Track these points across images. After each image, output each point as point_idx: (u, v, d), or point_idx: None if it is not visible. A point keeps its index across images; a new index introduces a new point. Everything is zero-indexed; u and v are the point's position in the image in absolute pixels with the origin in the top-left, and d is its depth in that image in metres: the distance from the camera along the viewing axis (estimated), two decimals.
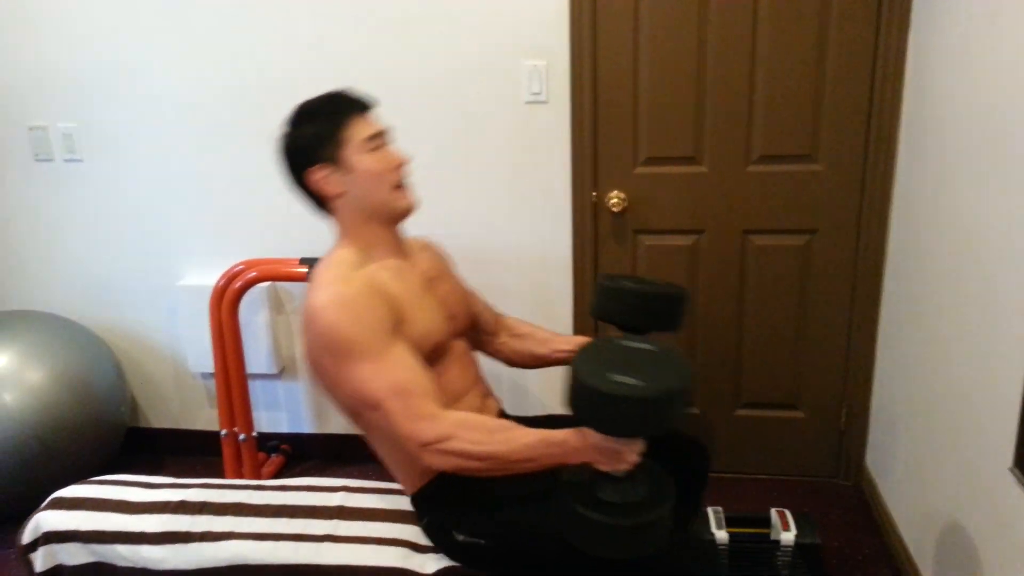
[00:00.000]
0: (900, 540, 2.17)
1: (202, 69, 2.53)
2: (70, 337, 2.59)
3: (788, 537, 2.00)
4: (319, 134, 1.44)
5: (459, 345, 1.63)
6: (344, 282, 1.39)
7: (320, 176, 1.45)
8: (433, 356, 1.48)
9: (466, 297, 1.72)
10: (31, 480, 2.37)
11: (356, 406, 1.42)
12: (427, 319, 1.48)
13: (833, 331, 2.48)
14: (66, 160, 2.69)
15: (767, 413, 2.59)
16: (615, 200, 2.43)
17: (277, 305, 2.71)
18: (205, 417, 2.91)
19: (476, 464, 1.33)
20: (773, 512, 2.07)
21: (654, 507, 1.29)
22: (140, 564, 1.56)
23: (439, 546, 1.51)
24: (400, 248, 1.56)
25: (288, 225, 2.62)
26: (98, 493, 1.71)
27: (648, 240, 2.48)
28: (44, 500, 1.72)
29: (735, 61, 2.29)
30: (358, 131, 1.45)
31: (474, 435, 1.33)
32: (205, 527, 1.59)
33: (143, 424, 2.95)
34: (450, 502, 1.50)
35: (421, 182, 2.51)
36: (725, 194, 2.40)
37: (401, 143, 2.47)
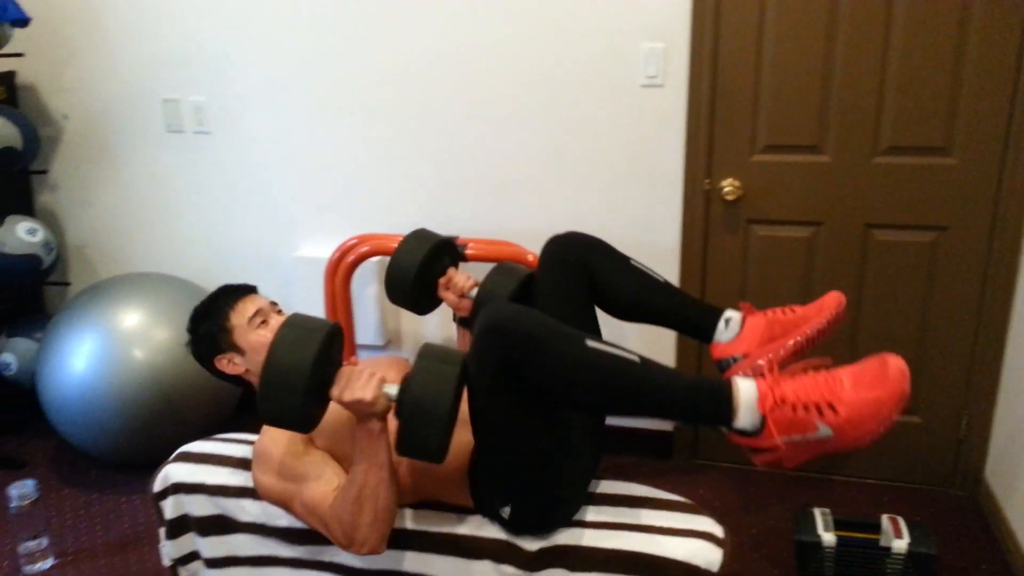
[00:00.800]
0: None
1: (324, 48, 2.61)
2: (194, 300, 2.71)
3: (900, 545, 1.92)
4: (211, 331, 1.64)
5: None
6: (259, 443, 1.62)
7: (224, 362, 1.65)
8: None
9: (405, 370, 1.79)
10: (156, 433, 2.52)
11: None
12: (338, 411, 1.57)
13: (958, 335, 2.35)
14: (195, 132, 2.83)
15: None
16: (729, 188, 2.37)
17: None
18: None
19: (369, 510, 1.42)
20: (885, 518, 1.99)
21: (409, 394, 1.36)
22: (260, 520, 1.65)
23: (518, 534, 1.54)
24: None
25: (399, 202, 2.68)
26: (221, 450, 1.80)
27: (762, 231, 2.41)
28: (167, 453, 1.83)
29: (866, 45, 2.19)
30: (241, 315, 1.65)
31: (345, 499, 1.44)
32: None
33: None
34: (486, 494, 1.55)
35: (530, 164, 2.54)
36: (848, 185, 2.31)
37: (513, 125, 2.51)
